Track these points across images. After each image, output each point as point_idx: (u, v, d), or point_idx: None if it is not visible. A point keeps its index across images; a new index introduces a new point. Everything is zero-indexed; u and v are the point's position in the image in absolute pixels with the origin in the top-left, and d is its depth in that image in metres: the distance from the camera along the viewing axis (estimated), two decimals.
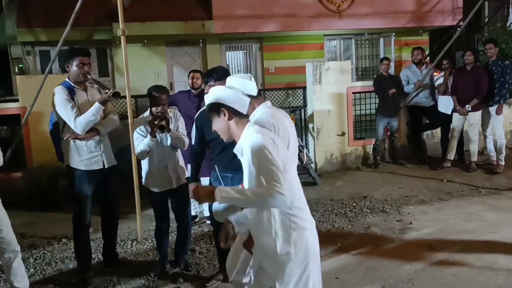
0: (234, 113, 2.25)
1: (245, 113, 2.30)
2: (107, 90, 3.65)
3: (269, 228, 2.22)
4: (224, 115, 2.26)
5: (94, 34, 10.27)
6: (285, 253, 2.20)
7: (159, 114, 3.78)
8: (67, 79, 3.83)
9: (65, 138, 3.74)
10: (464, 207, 5.46)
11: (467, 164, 7.12)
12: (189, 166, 3.86)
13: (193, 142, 3.68)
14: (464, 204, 5.61)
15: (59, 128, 3.86)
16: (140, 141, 3.83)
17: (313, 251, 2.25)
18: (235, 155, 3.58)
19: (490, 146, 7.05)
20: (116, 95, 3.65)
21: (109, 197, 4.04)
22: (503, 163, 6.85)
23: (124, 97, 7.55)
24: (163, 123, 3.69)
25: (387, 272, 3.86)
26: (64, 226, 5.06)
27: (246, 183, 2.29)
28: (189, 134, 4.84)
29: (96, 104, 3.63)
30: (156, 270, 4.05)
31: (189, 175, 3.72)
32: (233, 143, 3.60)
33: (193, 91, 5.42)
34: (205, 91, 3.49)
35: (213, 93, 2.29)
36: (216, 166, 3.68)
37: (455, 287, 3.58)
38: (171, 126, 3.89)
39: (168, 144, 3.84)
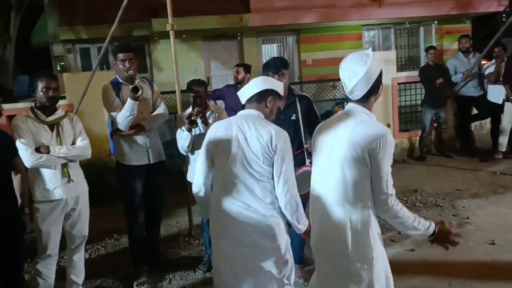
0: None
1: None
2: (130, 86, 3.65)
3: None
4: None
5: (132, 31, 10.38)
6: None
7: (196, 107, 3.78)
8: (116, 76, 3.86)
9: (113, 135, 3.79)
10: None
11: None
12: None
13: None
14: None
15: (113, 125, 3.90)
16: (181, 136, 3.82)
17: None
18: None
19: None
20: (135, 90, 3.59)
21: (153, 192, 4.01)
22: None
23: (168, 92, 7.66)
24: (193, 118, 3.67)
25: (453, 270, 3.73)
26: (114, 222, 5.10)
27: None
28: None
29: (129, 100, 3.61)
30: (205, 264, 4.04)
31: None
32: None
33: (239, 85, 5.37)
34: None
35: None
36: None
37: None
38: (211, 121, 3.85)
39: None
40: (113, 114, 3.72)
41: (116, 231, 4.97)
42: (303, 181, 3.45)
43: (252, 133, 2.51)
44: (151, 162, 3.87)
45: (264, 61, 12.35)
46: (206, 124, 3.76)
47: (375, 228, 2.17)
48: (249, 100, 2.62)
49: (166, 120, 7.03)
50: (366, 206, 2.14)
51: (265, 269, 2.52)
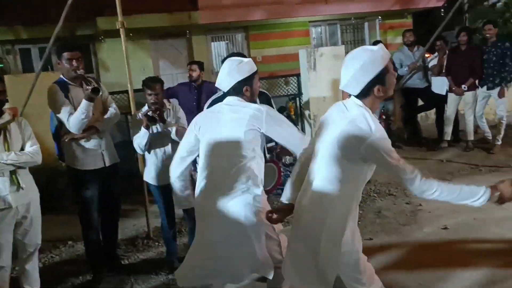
0: None
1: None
2: (88, 87, 3.51)
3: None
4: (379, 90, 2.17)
5: (76, 30, 10.01)
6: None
7: (152, 105, 3.69)
8: (61, 76, 3.65)
9: (65, 140, 3.59)
10: None
11: (464, 144, 7.18)
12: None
13: None
14: (468, 183, 5.51)
15: (59, 127, 3.71)
16: (138, 135, 3.72)
17: None
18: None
19: (484, 127, 7.12)
20: (95, 91, 3.47)
21: (110, 196, 3.88)
22: (499, 143, 6.90)
23: (117, 92, 7.43)
24: (152, 114, 3.61)
25: (410, 256, 3.86)
26: (67, 228, 4.90)
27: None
28: None
29: (83, 102, 3.45)
30: (167, 265, 3.97)
31: None
32: None
33: (193, 83, 5.30)
34: None
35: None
36: None
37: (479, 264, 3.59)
38: (169, 119, 3.80)
39: (172, 136, 3.73)
40: (62, 116, 3.52)
41: (71, 237, 4.78)
42: (268, 175, 3.47)
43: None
44: (106, 165, 3.73)
45: (214, 59, 12.19)
46: (164, 122, 3.68)
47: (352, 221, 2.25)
48: (228, 92, 2.70)
49: (116, 121, 6.85)
50: (346, 202, 2.19)
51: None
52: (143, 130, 3.64)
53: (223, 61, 3.45)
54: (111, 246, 4.04)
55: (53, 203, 5.71)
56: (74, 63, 3.54)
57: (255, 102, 2.82)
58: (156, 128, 3.74)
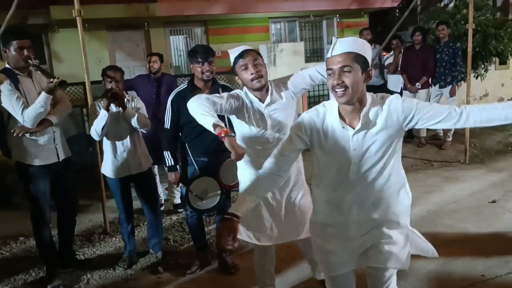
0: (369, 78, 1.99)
1: None
2: (52, 79, 3.30)
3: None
4: (368, 77, 1.96)
5: (27, 18, 9.59)
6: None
7: (112, 88, 3.58)
8: (7, 65, 3.40)
9: (15, 134, 3.33)
10: (421, 180, 5.70)
11: (417, 140, 7.43)
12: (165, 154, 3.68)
13: (167, 126, 3.52)
14: (421, 177, 5.86)
15: (1, 118, 3.43)
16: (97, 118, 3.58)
17: None
18: (213, 140, 3.52)
19: None
20: (63, 84, 3.30)
21: (65, 190, 3.74)
22: (450, 139, 7.19)
23: (72, 84, 7.19)
24: (115, 91, 3.51)
25: None
26: (17, 225, 4.72)
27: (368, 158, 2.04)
28: (150, 120, 4.68)
29: (43, 94, 3.28)
30: (125, 260, 3.89)
31: (169, 164, 3.55)
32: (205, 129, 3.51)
33: (152, 75, 5.20)
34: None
35: (364, 47, 1.97)
36: (189, 150, 3.56)
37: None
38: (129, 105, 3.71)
39: (133, 123, 3.64)
40: (14, 109, 3.29)
41: (22, 234, 4.59)
42: (230, 171, 3.44)
43: None
44: (60, 159, 3.58)
45: (172, 53, 11.95)
46: (124, 108, 3.58)
47: None
48: None
49: (71, 115, 6.63)
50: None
51: None
52: (102, 111, 3.51)
53: (191, 52, 3.42)
54: (66, 242, 3.89)
55: (2, 199, 5.49)
56: (25, 52, 3.33)
57: None
58: (117, 113, 3.63)
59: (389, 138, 2.02)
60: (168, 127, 3.50)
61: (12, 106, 3.29)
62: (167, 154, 3.52)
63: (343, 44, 1.94)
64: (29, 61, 3.35)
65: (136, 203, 4.16)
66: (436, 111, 1.98)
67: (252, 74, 2.69)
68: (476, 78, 8.23)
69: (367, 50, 1.97)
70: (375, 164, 2.04)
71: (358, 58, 1.92)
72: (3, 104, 3.32)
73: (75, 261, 3.94)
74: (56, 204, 3.78)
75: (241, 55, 2.73)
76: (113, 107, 3.60)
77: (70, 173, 3.78)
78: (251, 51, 2.77)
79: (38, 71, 3.52)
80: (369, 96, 2.03)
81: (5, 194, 5.53)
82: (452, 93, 6.96)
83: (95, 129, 3.56)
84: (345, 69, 1.91)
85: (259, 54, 2.82)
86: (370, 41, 7.61)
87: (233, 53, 2.78)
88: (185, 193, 3.49)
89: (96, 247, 4.30)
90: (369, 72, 1.97)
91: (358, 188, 2.08)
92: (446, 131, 7.24)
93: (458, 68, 6.87)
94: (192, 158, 3.55)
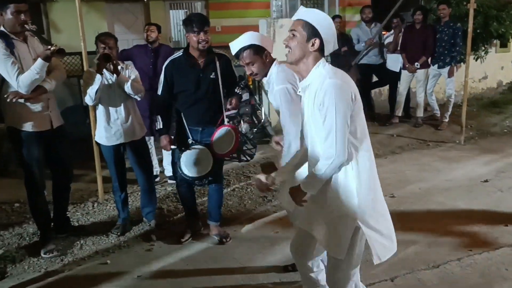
0: (321, 48, 2.07)
1: (325, 54, 2.14)
2: (49, 46, 3.30)
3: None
4: (313, 45, 2.05)
5: None
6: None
7: (105, 52, 3.57)
8: (2, 28, 3.35)
9: (8, 100, 3.30)
10: (416, 159, 5.73)
11: (414, 120, 7.43)
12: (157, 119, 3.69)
13: (159, 92, 3.53)
14: (416, 156, 5.89)
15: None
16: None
17: None
18: (207, 109, 3.53)
19: (434, 104, 7.38)
20: (61, 52, 3.30)
21: (59, 158, 3.74)
22: (447, 120, 7.18)
23: (70, 54, 7.13)
24: (107, 51, 3.53)
25: None
26: (12, 191, 4.75)
27: (310, 124, 2.15)
28: (146, 91, 4.67)
29: (39, 61, 3.25)
30: (118, 227, 3.94)
31: (159, 127, 3.58)
32: (206, 96, 3.51)
33: (150, 45, 5.16)
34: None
35: (318, 17, 2.06)
36: (184, 119, 3.57)
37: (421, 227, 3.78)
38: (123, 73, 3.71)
39: (126, 89, 3.64)
40: (8, 73, 3.26)
41: (18, 200, 4.62)
42: (223, 140, 3.46)
43: None
44: (54, 127, 3.58)
45: (172, 27, 11.78)
46: (118, 73, 3.58)
47: None
48: None
49: (68, 85, 6.59)
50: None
51: None
52: (96, 75, 3.52)
53: (186, 21, 3.39)
54: (61, 208, 3.93)
55: None
56: (22, 16, 3.30)
57: None
58: (107, 80, 3.63)
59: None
60: (160, 93, 3.51)
61: (7, 70, 3.27)
62: (158, 118, 3.55)
63: (299, 12, 2.11)
64: (26, 26, 3.33)
65: (131, 174, 4.19)
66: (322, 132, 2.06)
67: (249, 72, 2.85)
68: (476, 60, 8.18)
69: (320, 21, 2.05)
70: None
71: (306, 26, 2.05)
72: None
73: (70, 227, 3.98)
74: (51, 171, 3.80)
75: (236, 56, 2.88)
76: (106, 73, 3.59)
77: (64, 141, 3.79)
78: (243, 52, 2.79)
79: (35, 37, 3.50)
80: (318, 68, 2.07)
81: (1, 161, 5.54)
82: (450, 74, 6.93)
83: (89, 93, 3.57)
84: (292, 33, 2.08)
85: (255, 50, 2.81)
86: (371, 20, 7.57)
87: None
88: (176, 160, 3.53)
89: (90, 215, 4.34)
90: (313, 41, 2.04)
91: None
92: (443, 112, 7.24)
93: (457, 48, 6.82)
94: (186, 127, 3.57)
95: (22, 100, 3.37)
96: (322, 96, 1.98)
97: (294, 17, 2.11)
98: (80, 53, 6.03)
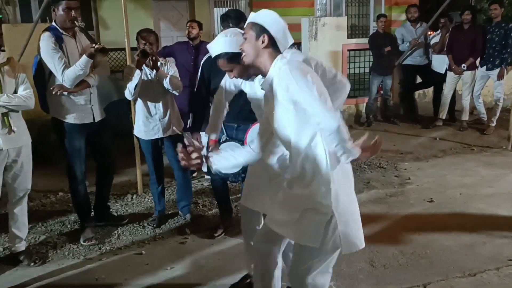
0: (272, 43, 2.09)
1: (281, 51, 2.16)
2: (94, 44, 3.43)
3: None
4: (262, 42, 2.09)
5: None
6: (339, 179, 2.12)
7: (145, 48, 3.66)
8: (53, 23, 3.52)
9: (53, 92, 3.48)
10: (459, 164, 5.55)
11: (458, 123, 7.20)
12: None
13: (196, 89, 3.58)
14: (459, 161, 5.70)
15: (43, 74, 3.55)
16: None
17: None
18: (243, 105, 3.54)
19: (481, 108, 7.12)
20: (103, 51, 3.42)
21: (103, 150, 3.89)
22: (494, 124, 6.90)
23: (115, 49, 7.35)
24: (146, 49, 3.60)
25: (394, 223, 3.94)
26: (56, 180, 4.95)
27: (269, 122, 2.19)
28: (186, 88, 4.75)
29: (84, 58, 3.39)
30: (154, 220, 4.04)
31: (191, 125, 3.64)
32: (242, 92, 3.52)
33: (191, 42, 5.25)
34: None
35: (262, 15, 2.12)
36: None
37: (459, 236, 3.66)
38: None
39: (165, 83, 3.71)
40: (56, 67, 3.41)
41: (62, 189, 4.82)
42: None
43: None
44: (96, 120, 3.71)
45: (216, 24, 11.92)
46: (157, 68, 3.66)
47: None
48: None
49: (113, 80, 6.77)
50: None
51: None
52: (136, 71, 3.62)
53: (223, 16, 3.42)
54: (102, 198, 4.08)
55: (44, 156, 5.75)
56: (73, 13, 3.44)
57: None
58: (146, 75, 3.74)
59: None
60: (196, 89, 3.56)
61: (54, 64, 3.43)
62: (192, 116, 3.60)
63: (248, 18, 2.18)
64: (76, 22, 3.47)
65: (169, 168, 4.29)
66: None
67: None
68: None
69: (265, 18, 2.10)
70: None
71: (253, 26, 2.10)
72: (45, 61, 3.47)
73: (109, 216, 4.12)
74: (96, 162, 3.95)
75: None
76: (146, 69, 3.68)
77: (107, 133, 3.92)
78: (218, 60, 2.59)
79: (83, 34, 3.65)
80: (277, 64, 2.09)
81: (47, 151, 5.78)
82: (500, 77, 6.66)
83: (128, 88, 3.68)
84: (244, 37, 2.16)
85: (228, 59, 2.54)
86: (417, 19, 7.38)
87: None
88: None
89: (128, 206, 4.47)
90: (262, 37, 2.07)
91: None
92: (490, 116, 6.97)
93: (508, 50, 6.53)
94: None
95: (66, 93, 3.52)
96: (284, 83, 2.00)
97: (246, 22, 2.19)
98: (123, 49, 6.23)
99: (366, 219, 3.94)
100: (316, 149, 2.07)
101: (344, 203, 2.10)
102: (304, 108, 1.99)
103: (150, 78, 3.75)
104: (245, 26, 2.18)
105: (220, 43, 2.50)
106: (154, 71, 3.69)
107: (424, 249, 3.47)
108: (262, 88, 2.21)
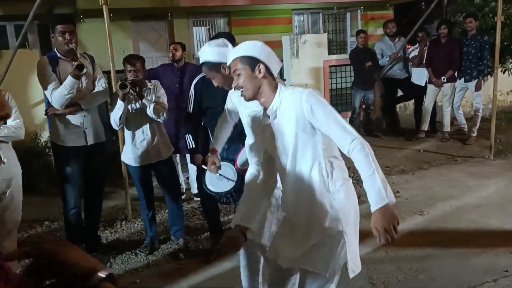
0: (269, 72, 2.09)
1: (275, 76, 2.16)
2: (73, 63, 3.45)
3: (323, 184, 2.08)
4: (259, 72, 2.07)
5: (53, 8, 9.74)
6: (342, 204, 2.09)
7: (131, 78, 3.65)
8: (55, 50, 3.63)
9: (48, 114, 3.57)
10: (445, 175, 5.62)
11: (441, 135, 7.32)
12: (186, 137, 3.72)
13: (190, 110, 3.57)
14: (444, 172, 5.78)
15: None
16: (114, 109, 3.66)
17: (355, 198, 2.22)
18: (234, 126, 3.53)
19: (461, 119, 7.26)
20: (79, 67, 3.41)
21: (91, 176, 3.82)
22: (475, 134, 7.04)
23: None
24: (125, 82, 3.57)
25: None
26: (42, 209, 4.84)
27: (285, 148, 2.12)
28: (172, 109, 4.72)
29: (69, 78, 3.41)
30: (146, 246, 3.96)
31: (191, 147, 3.60)
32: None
33: (175, 64, 5.23)
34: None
35: (249, 46, 2.09)
36: (211, 135, 3.59)
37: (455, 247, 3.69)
38: (149, 97, 3.75)
39: (149, 113, 3.68)
40: (47, 91, 3.49)
41: (47, 218, 4.71)
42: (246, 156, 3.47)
43: None
44: (88, 143, 3.66)
45: (195, 44, 11.96)
46: (141, 97, 3.64)
47: None
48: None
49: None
50: None
51: None
52: (119, 102, 3.58)
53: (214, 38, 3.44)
54: (92, 226, 3.99)
55: (28, 183, 5.60)
56: (67, 36, 3.49)
57: None
58: (134, 105, 3.70)
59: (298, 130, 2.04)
60: (190, 111, 3.55)
61: (45, 86, 3.50)
62: (188, 138, 3.57)
63: (228, 57, 2.14)
64: (70, 45, 3.49)
65: (159, 191, 4.23)
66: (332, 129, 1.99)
67: None
68: (504, 73, 8.02)
69: (251, 48, 2.06)
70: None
71: (242, 60, 2.06)
72: (40, 84, 3.56)
73: (99, 245, 4.02)
74: (84, 188, 3.87)
75: None
76: (131, 105, 3.66)
77: (101, 158, 3.86)
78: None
79: (87, 59, 3.68)
80: (282, 92, 2.08)
81: (31, 179, 5.64)
82: (477, 88, 6.82)
83: (114, 119, 3.64)
84: (236, 73, 2.09)
85: (209, 68, 2.87)
86: (395, 34, 7.53)
87: None
88: (199, 178, 3.55)
89: (119, 233, 4.38)
90: (258, 67, 2.04)
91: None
92: (471, 126, 7.11)
93: (485, 62, 6.72)
94: None
95: (56, 116, 3.56)
96: (309, 108, 1.97)
97: (228, 62, 2.15)
98: (107, 72, 6.17)
99: (361, 236, 3.98)
100: (315, 174, 2.06)
101: (351, 223, 2.09)
102: (327, 131, 1.97)
103: (135, 107, 3.71)
104: (230, 64, 2.13)
105: (205, 52, 2.74)
106: (140, 100, 3.66)
107: (421, 264, 3.48)
108: (264, 116, 2.19)
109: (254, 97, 2.11)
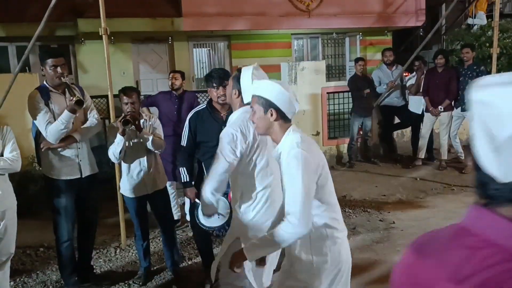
0: (281, 116, 2.15)
1: (290, 118, 2.21)
2: (72, 97, 3.44)
3: (305, 240, 2.17)
4: (271, 115, 2.15)
5: (55, 30, 9.84)
6: (321, 262, 2.18)
7: (128, 112, 3.67)
8: (44, 82, 3.59)
9: (42, 149, 3.50)
10: (441, 206, 5.62)
11: (437, 162, 7.34)
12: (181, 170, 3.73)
13: (183, 143, 3.59)
14: (440, 202, 5.78)
15: (37, 133, 3.59)
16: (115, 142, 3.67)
17: (345, 258, 2.26)
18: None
19: (458, 147, 7.29)
20: (79, 103, 3.41)
21: (86, 207, 3.81)
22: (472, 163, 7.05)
23: (95, 97, 7.32)
24: (128, 117, 3.58)
25: (383, 271, 3.92)
26: (37, 234, 4.82)
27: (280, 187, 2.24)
28: (170, 137, 4.75)
29: (65, 113, 3.40)
30: (140, 277, 3.93)
31: (185, 180, 3.61)
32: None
33: (174, 92, 5.28)
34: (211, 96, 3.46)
35: (267, 88, 2.18)
36: (204, 169, 3.60)
37: None
38: (145, 130, 3.77)
39: (148, 145, 3.71)
40: (40, 124, 3.44)
41: (42, 244, 4.69)
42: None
43: None
44: (83, 176, 3.66)
45: (195, 66, 12.04)
46: (140, 130, 3.66)
47: None
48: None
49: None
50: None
51: None
52: (119, 136, 3.58)
53: (207, 77, 3.49)
54: (85, 257, 3.97)
55: (24, 208, 5.59)
56: (59, 69, 3.47)
57: None
58: (132, 140, 3.72)
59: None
60: (184, 144, 3.56)
61: (38, 120, 3.43)
62: (182, 171, 3.58)
63: (253, 87, 2.33)
64: (62, 78, 3.49)
65: (153, 218, 4.21)
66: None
67: None
68: None
69: (270, 92, 2.16)
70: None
71: (259, 100, 2.18)
72: (33, 119, 3.48)
73: (93, 276, 3.99)
74: (78, 219, 3.85)
75: None
76: (129, 134, 3.67)
77: (93, 189, 3.85)
78: None
79: (77, 89, 3.65)
80: (288, 137, 2.16)
81: (27, 203, 5.63)
82: None
83: (113, 153, 3.64)
84: (252, 109, 2.25)
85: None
86: (393, 62, 7.61)
87: None
88: (192, 210, 3.55)
89: (112, 262, 4.36)
90: (271, 112, 2.15)
91: None
92: (467, 155, 7.13)
93: None
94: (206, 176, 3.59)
95: (52, 149, 3.50)
96: (288, 164, 2.07)
97: (250, 96, 2.32)
98: (106, 96, 6.22)
99: (356, 269, 3.94)
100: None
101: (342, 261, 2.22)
102: (286, 189, 2.07)
103: (133, 141, 3.73)
104: (251, 98, 2.26)
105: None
106: (137, 132, 3.69)
107: None
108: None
109: (264, 133, 2.27)
